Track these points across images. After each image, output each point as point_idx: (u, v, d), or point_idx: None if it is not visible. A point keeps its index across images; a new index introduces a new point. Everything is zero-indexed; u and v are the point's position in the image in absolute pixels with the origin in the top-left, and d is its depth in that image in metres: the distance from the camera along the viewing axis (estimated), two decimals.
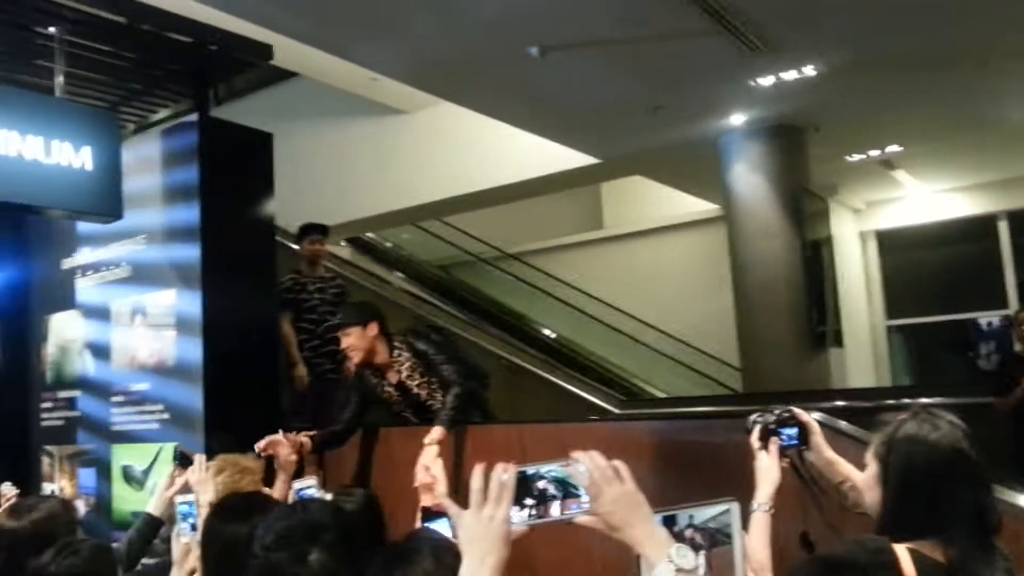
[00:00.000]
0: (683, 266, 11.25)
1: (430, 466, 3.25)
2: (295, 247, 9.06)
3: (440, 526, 3.16)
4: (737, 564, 1.51)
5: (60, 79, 3.91)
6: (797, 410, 2.22)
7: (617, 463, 1.38)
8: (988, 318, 10.37)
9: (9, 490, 3.41)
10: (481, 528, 1.34)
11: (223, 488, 2.84)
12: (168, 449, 3.96)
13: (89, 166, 3.68)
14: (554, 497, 1.37)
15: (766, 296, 7.72)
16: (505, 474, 1.36)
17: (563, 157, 8.52)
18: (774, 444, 2.16)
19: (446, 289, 11.38)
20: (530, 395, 9.35)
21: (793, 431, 2.19)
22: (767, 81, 6.59)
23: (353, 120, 10.34)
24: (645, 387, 10.43)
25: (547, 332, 10.87)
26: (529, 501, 1.37)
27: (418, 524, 3.18)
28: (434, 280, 11.55)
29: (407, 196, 9.88)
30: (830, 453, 2.21)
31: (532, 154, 8.71)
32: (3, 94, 3.57)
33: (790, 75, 6.48)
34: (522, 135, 8.17)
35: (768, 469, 2.13)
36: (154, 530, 2.89)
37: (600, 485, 1.35)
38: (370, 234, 11.68)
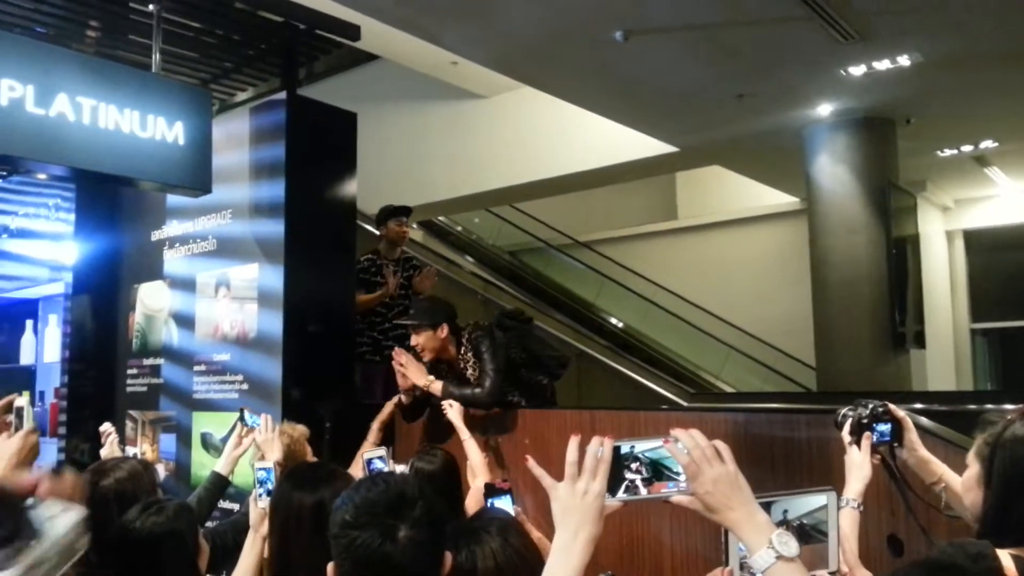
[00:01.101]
0: (758, 260, 11.04)
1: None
2: (370, 228, 9.21)
3: (503, 503, 3.18)
4: (832, 555, 1.47)
5: (157, 56, 4.01)
6: (892, 405, 2.14)
7: (719, 443, 1.34)
8: None
9: (108, 427, 3.57)
10: (575, 501, 1.32)
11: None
12: (250, 419, 4.05)
13: (182, 141, 3.77)
14: (649, 476, 1.35)
15: (846, 293, 7.52)
16: (601, 448, 1.33)
17: (640, 145, 8.42)
18: (867, 439, 2.09)
19: (515, 274, 11.40)
20: (596, 384, 9.30)
21: (887, 427, 2.11)
22: (858, 71, 6.39)
23: (431, 104, 10.41)
24: (714, 382, 10.29)
25: (614, 321, 10.79)
26: (625, 477, 1.34)
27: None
28: (503, 265, 11.58)
29: (482, 181, 9.91)
30: (924, 452, 2.13)
31: (609, 141, 8.64)
32: (104, 68, 3.67)
33: (883, 65, 6.27)
34: (599, 122, 8.10)
35: (860, 465, 2.06)
36: (222, 489, 2.97)
37: (700, 464, 1.31)
38: (441, 218, 11.77)
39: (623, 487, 1.34)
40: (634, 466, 1.35)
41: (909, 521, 2.11)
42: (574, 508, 1.31)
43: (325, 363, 4.19)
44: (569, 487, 1.33)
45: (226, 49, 4.74)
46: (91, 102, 3.49)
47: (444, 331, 3.77)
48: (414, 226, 11.57)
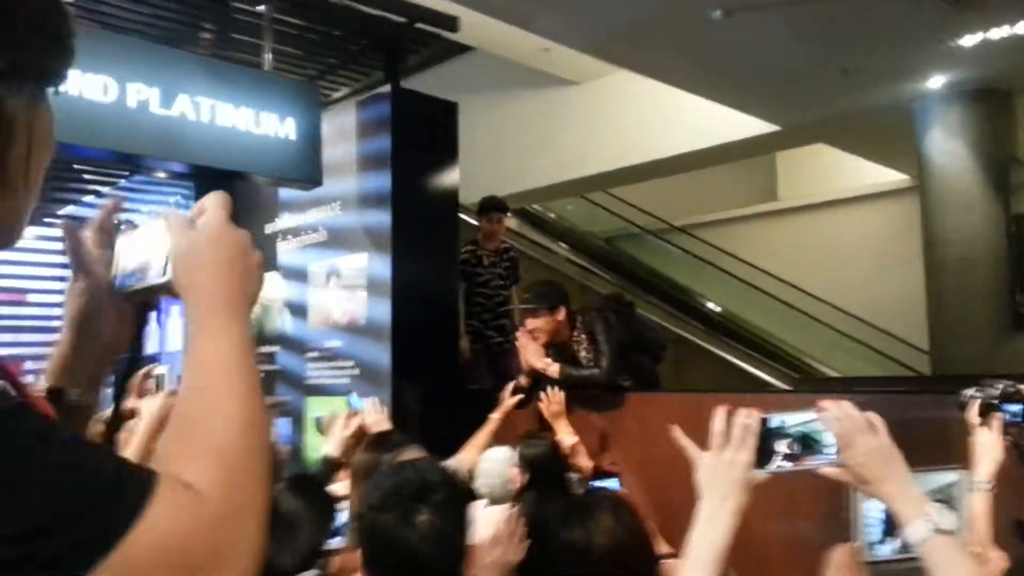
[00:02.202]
0: (864, 240, 10.65)
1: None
2: (467, 218, 9.33)
3: (609, 486, 3.20)
4: (962, 534, 1.43)
5: (268, 55, 4.17)
6: (1023, 386, 2.06)
7: (871, 415, 1.32)
8: None
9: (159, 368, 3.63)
10: (722, 470, 1.32)
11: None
12: (356, 402, 4.19)
13: (293, 136, 3.92)
14: (798, 449, 1.34)
15: (962, 274, 7.21)
16: (749, 419, 1.34)
17: (740, 125, 8.24)
18: (996, 420, 2.02)
19: (610, 261, 11.34)
20: (696, 368, 9.18)
21: (1018, 407, 2.06)
22: (972, 40, 6.09)
23: (523, 92, 10.43)
24: (819, 367, 10.01)
25: (712, 306, 10.61)
26: (773, 449, 1.34)
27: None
28: (598, 251, 11.53)
29: (577, 167, 9.89)
30: None
31: (706, 122, 8.48)
32: (220, 69, 3.84)
33: (999, 33, 5.96)
34: (695, 104, 7.97)
35: (990, 446, 2.00)
36: (334, 470, 3.05)
37: (853, 435, 1.30)
38: (535, 205, 11.80)
39: (770, 459, 1.34)
40: (782, 439, 1.34)
41: None
42: (720, 477, 1.32)
43: (431, 347, 4.29)
44: (716, 456, 1.34)
45: (330, 46, 4.88)
46: (210, 101, 3.66)
47: (562, 313, 3.85)
48: (508, 216, 11.66)
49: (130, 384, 2.26)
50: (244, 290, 0.82)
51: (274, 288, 4.93)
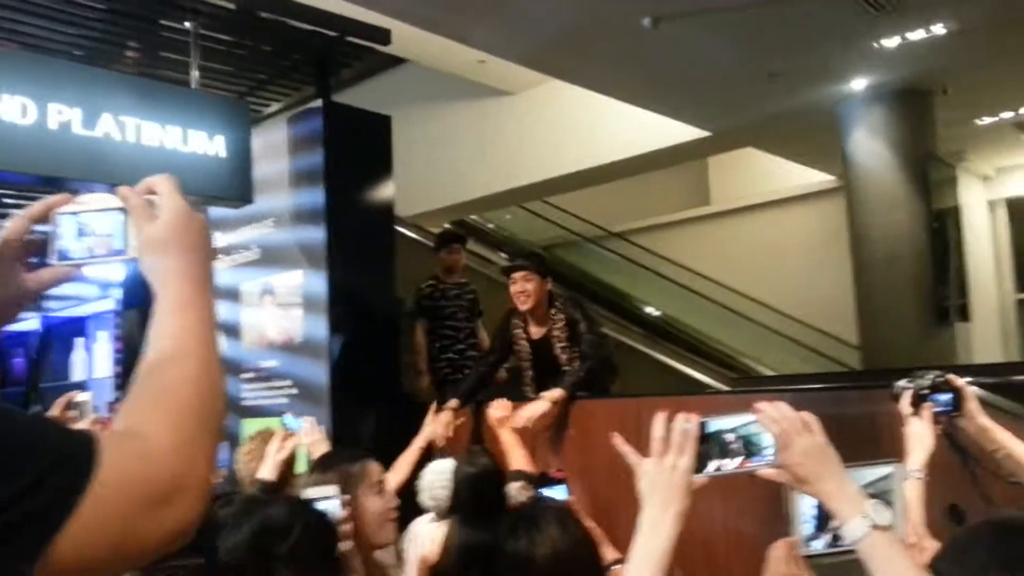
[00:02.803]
0: (796, 241, 10.92)
1: (526, 422, 3.45)
2: (405, 232, 9.27)
3: (556, 492, 3.19)
4: (898, 526, 1.47)
5: (195, 72, 4.09)
6: (952, 375, 2.13)
7: (806, 414, 1.34)
8: None
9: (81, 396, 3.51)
10: (663, 477, 1.32)
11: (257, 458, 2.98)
12: (292, 423, 4.12)
13: (222, 153, 3.85)
14: (736, 451, 1.35)
15: (888, 270, 7.42)
16: (688, 423, 1.34)
17: (672, 131, 8.37)
18: (927, 409, 2.08)
19: (550, 269, 11.37)
20: (636, 374, 9.28)
21: (947, 396, 2.10)
22: (892, 42, 6.29)
23: (459, 103, 10.44)
24: (755, 366, 10.21)
25: (652, 310, 10.75)
26: (711, 452, 1.35)
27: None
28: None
29: (513, 177, 9.93)
30: (984, 420, 2.10)
31: (639, 130, 8.60)
32: (146, 87, 3.76)
33: (917, 35, 6.16)
34: (628, 112, 8.07)
35: (921, 436, 2.05)
36: (270, 495, 3.01)
37: (790, 435, 1.31)
38: (473, 216, 11.80)
39: (709, 462, 1.35)
40: (721, 442, 1.35)
41: (970, 490, 2.10)
42: (662, 484, 1.32)
43: (371, 363, 4.25)
44: (656, 463, 1.34)
45: (260, 61, 4.81)
46: (135, 121, 3.58)
47: (549, 284, 3.89)
48: (446, 225, 11.64)
49: (52, 412, 2.18)
50: (207, 270, 0.91)
51: None
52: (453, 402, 3.78)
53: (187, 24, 4.05)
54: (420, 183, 10.23)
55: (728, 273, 10.92)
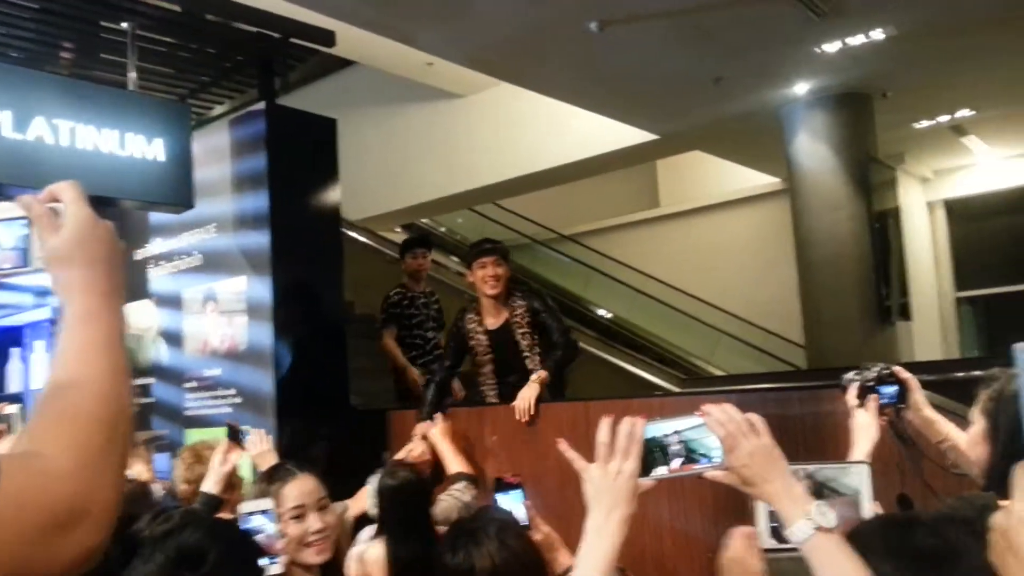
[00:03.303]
0: (742, 242, 11.09)
1: (527, 406, 3.53)
2: (356, 236, 9.17)
3: (512, 497, 3.17)
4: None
5: (133, 74, 3.98)
6: (897, 367, 2.17)
7: (753, 416, 1.34)
8: None
9: (9, 408, 3.41)
10: (608, 481, 1.32)
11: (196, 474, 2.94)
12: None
13: (162, 157, 3.74)
14: (682, 454, 1.35)
15: (831, 270, 7.57)
16: (633, 428, 1.34)
17: (620, 135, 8.44)
18: (873, 401, 2.11)
19: None
20: (588, 376, 9.32)
21: (892, 389, 2.14)
22: (833, 47, 6.43)
23: (407, 106, 10.39)
24: (705, 366, 10.34)
25: (603, 313, 10.82)
26: (657, 456, 1.35)
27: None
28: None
29: (464, 180, 9.91)
30: (930, 411, 2.15)
31: (588, 133, 8.65)
32: (81, 89, 3.64)
33: (857, 40, 6.31)
34: (577, 115, 8.11)
35: (867, 427, 2.09)
36: (214, 509, 2.94)
37: (736, 437, 1.31)
38: (425, 220, 11.75)
39: (655, 466, 1.35)
40: (667, 445, 1.35)
41: (918, 480, 2.14)
42: (607, 489, 1.32)
43: (318, 371, 4.18)
44: (602, 468, 1.33)
45: (202, 63, 4.71)
46: (68, 124, 3.46)
47: (510, 271, 3.95)
48: (397, 229, 11.56)
49: None
50: (114, 281, 0.87)
51: (147, 317, 4.71)
52: (420, 427, 3.78)
53: (124, 25, 3.94)
54: (370, 186, 10.15)
55: (678, 274, 11.04)
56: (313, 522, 2.23)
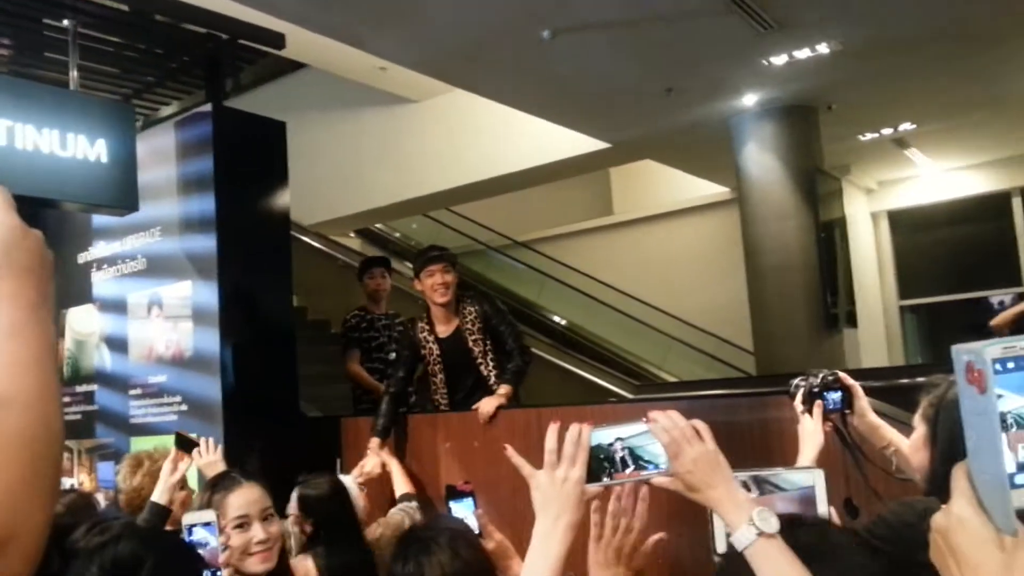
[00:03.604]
0: (695, 250, 11.23)
1: (484, 418, 3.56)
2: (309, 241, 9.07)
3: (464, 506, 3.16)
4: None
5: (74, 72, 3.89)
6: (843, 374, 2.20)
7: (697, 422, 1.35)
8: (1001, 296, 10.32)
9: None
10: (555, 488, 1.32)
11: (150, 480, 2.89)
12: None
13: (105, 159, 3.67)
14: (628, 460, 1.35)
15: (779, 278, 7.69)
16: (580, 434, 1.34)
17: (573, 143, 8.48)
18: (818, 407, 2.15)
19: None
20: (542, 382, 9.34)
21: (837, 395, 2.17)
22: (780, 60, 6.55)
23: (361, 111, 10.32)
24: (658, 373, 10.43)
25: (557, 319, 10.85)
26: (604, 462, 1.35)
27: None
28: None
29: (416, 186, 9.87)
30: (874, 417, 2.18)
31: (542, 141, 8.68)
32: (20, 88, 3.56)
33: (803, 53, 6.43)
34: (531, 122, 8.14)
35: (812, 433, 2.12)
36: (162, 519, 2.87)
37: (680, 444, 1.31)
38: (379, 225, 11.68)
39: (602, 472, 1.35)
40: (612, 451, 1.35)
41: (863, 485, 2.17)
42: (554, 495, 1.32)
43: (266, 377, 4.13)
44: (548, 474, 1.33)
45: (148, 63, 4.63)
46: (6, 122, 3.38)
47: (458, 277, 3.96)
48: (351, 234, 11.47)
49: None
50: (44, 292, 0.83)
51: (90, 322, 4.60)
52: (374, 442, 3.75)
53: (66, 22, 3.85)
54: (323, 191, 10.05)
55: (631, 282, 11.13)
56: (257, 532, 2.19)
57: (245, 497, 2.24)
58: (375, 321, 4.97)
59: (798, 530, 1.27)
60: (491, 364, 3.83)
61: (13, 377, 0.76)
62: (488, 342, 3.86)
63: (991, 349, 0.74)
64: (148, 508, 2.89)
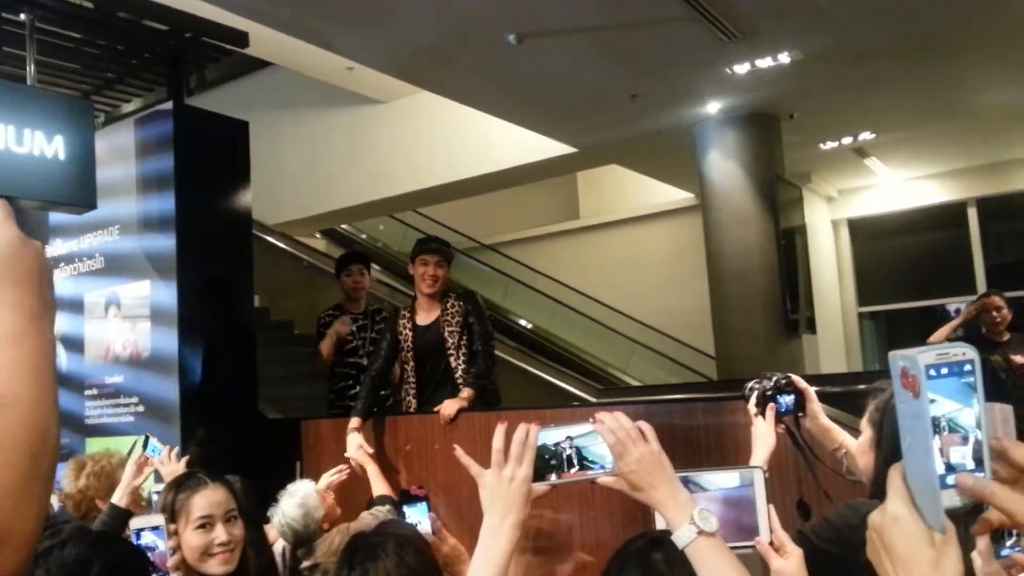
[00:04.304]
0: (659, 255, 11.32)
1: (446, 419, 3.57)
2: (271, 240, 8.99)
3: (418, 510, 3.16)
4: (762, 528, 1.53)
5: (32, 67, 3.84)
6: (795, 377, 2.24)
7: (642, 424, 1.38)
8: (957, 304, 10.54)
9: None
10: (502, 487, 1.35)
11: (95, 481, 2.87)
12: (155, 447, 3.93)
13: (62, 155, 3.62)
14: (575, 460, 1.38)
15: (740, 284, 7.78)
16: (527, 434, 1.37)
17: (540, 147, 8.52)
18: (770, 410, 2.18)
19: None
20: (506, 385, 9.33)
21: (790, 398, 2.21)
22: (742, 69, 6.63)
23: (328, 111, 10.26)
24: (622, 376, 10.49)
25: (523, 322, 10.88)
26: (551, 462, 1.37)
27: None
28: (409, 272, 11.47)
29: (383, 187, 9.83)
30: (826, 420, 2.23)
31: (509, 144, 8.71)
32: None
33: (765, 62, 6.52)
34: (499, 125, 8.16)
35: (764, 434, 2.15)
36: (122, 523, 2.84)
37: (625, 444, 1.34)
38: (345, 226, 11.62)
39: (548, 472, 1.37)
40: (559, 451, 1.38)
41: (814, 487, 2.21)
42: (501, 494, 1.35)
43: (224, 379, 4.09)
44: (496, 474, 1.36)
45: (109, 59, 4.57)
46: None
47: (448, 272, 3.97)
48: (317, 235, 11.40)
49: None
50: (44, 301, 0.86)
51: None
52: (355, 422, 3.71)
53: (23, 16, 3.79)
54: (288, 190, 9.98)
55: (596, 286, 11.19)
56: (220, 533, 2.20)
57: (209, 499, 2.25)
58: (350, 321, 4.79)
59: (655, 551, 1.36)
60: (462, 359, 3.83)
61: (13, 381, 0.78)
62: (464, 337, 3.87)
63: (925, 356, 0.78)
64: (107, 510, 2.86)
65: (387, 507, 3.34)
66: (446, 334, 3.86)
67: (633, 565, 1.45)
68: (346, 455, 3.63)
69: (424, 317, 3.94)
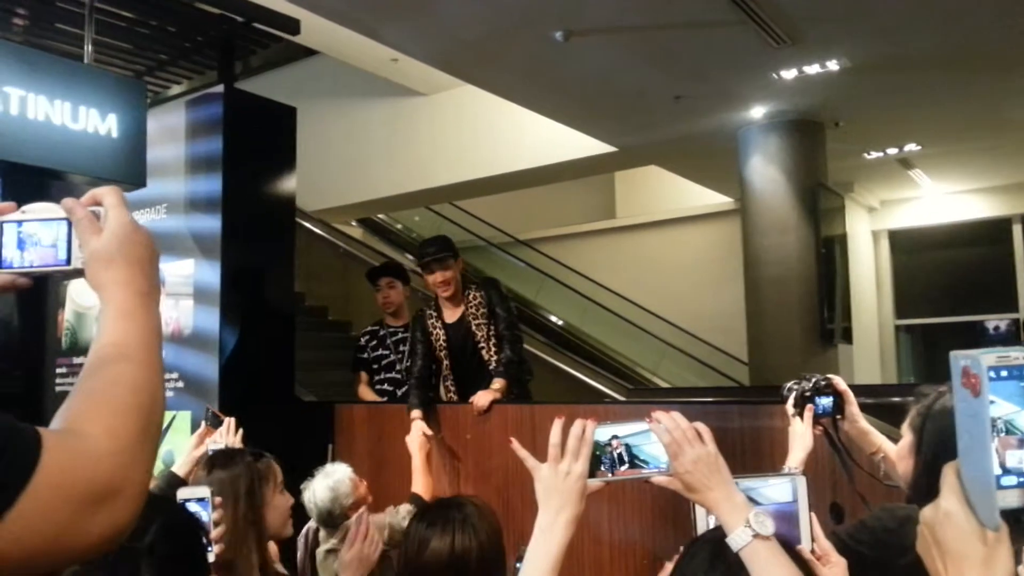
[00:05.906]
0: (694, 258, 11.26)
1: (479, 410, 3.62)
2: (309, 226, 9.07)
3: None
4: (804, 536, 1.52)
5: (89, 47, 3.92)
6: (836, 379, 2.23)
7: (699, 425, 1.38)
8: (996, 322, 10.37)
9: None
10: (558, 481, 1.36)
11: None
12: (182, 417, 4.00)
13: (115, 133, 3.69)
14: (629, 458, 1.39)
15: (777, 291, 7.72)
16: (584, 430, 1.38)
17: (580, 144, 8.51)
18: (808, 411, 2.18)
19: None
20: (536, 380, 9.35)
21: (829, 400, 2.20)
22: (790, 74, 6.58)
23: (371, 101, 10.34)
24: (651, 377, 10.46)
25: (554, 319, 10.89)
26: (606, 459, 1.39)
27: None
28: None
29: (421, 178, 9.89)
30: (864, 423, 2.21)
31: (548, 141, 8.71)
32: (33, 58, 3.57)
33: (813, 69, 6.46)
34: (539, 121, 8.16)
35: (801, 435, 2.15)
36: (174, 489, 2.90)
37: (681, 444, 1.35)
38: (381, 215, 11.70)
39: (603, 468, 1.39)
40: (615, 448, 1.39)
41: (850, 490, 2.20)
42: (556, 489, 1.35)
43: (264, 359, 4.15)
44: (552, 468, 1.37)
45: (161, 41, 4.66)
46: (19, 92, 3.40)
47: (461, 264, 3.99)
48: (353, 223, 11.49)
49: None
50: (152, 282, 0.94)
51: (90, 294, 4.62)
52: (416, 412, 3.73)
53: None
54: (328, 178, 10.07)
55: (629, 286, 11.16)
56: (290, 496, 2.37)
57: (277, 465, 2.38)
58: (385, 338, 4.61)
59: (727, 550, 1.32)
60: (493, 350, 3.86)
61: (127, 351, 0.86)
62: (492, 327, 3.90)
63: (987, 356, 0.79)
64: (166, 477, 2.92)
65: (406, 508, 3.33)
66: (474, 327, 3.89)
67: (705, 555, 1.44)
68: (406, 439, 3.66)
69: (450, 314, 3.97)
